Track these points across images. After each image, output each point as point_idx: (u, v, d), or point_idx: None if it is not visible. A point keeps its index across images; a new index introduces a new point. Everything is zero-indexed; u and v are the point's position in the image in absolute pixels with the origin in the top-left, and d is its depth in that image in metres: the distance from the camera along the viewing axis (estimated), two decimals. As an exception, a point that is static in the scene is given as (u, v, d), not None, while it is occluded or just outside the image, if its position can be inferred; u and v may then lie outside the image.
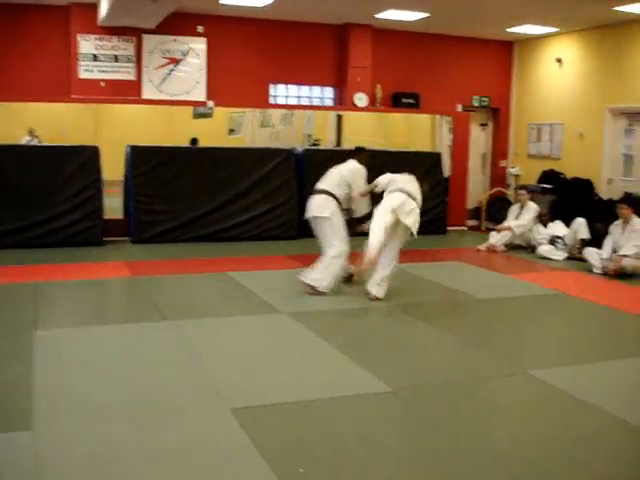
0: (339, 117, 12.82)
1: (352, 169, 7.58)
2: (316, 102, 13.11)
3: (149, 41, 11.50)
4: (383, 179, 7.46)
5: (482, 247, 10.59)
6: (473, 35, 13.39)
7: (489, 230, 11.70)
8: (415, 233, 6.98)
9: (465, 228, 12.94)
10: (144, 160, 10.34)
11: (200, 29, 11.83)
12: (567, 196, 11.97)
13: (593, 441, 4.00)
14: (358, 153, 7.86)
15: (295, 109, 12.91)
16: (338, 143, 12.68)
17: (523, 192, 10.84)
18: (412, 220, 6.93)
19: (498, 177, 14.29)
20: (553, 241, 10.08)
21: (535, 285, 8.18)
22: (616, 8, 10.48)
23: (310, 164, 11.12)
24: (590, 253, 9.14)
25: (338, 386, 4.74)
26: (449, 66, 13.50)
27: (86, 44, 11.10)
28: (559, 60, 12.89)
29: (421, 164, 11.92)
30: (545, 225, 10.59)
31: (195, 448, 3.74)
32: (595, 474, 3.60)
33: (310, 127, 13.12)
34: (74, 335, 5.79)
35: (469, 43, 13.61)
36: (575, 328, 6.63)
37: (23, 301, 6.76)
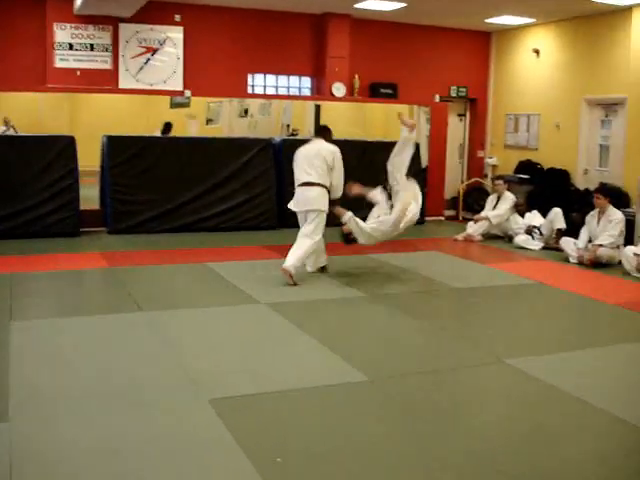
0: (317, 107, 12.81)
1: (331, 151, 7.56)
2: (294, 92, 13.07)
3: (125, 30, 11.40)
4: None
5: (459, 237, 10.64)
6: (451, 25, 13.40)
7: (466, 220, 11.75)
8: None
9: (442, 218, 12.99)
10: (121, 150, 10.27)
11: (177, 18, 11.74)
12: (544, 186, 12.04)
13: (571, 429, 4.05)
14: (327, 132, 7.87)
15: (273, 99, 12.88)
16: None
17: (500, 182, 10.90)
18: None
19: (475, 167, 14.33)
20: (530, 231, 10.15)
21: (512, 274, 8.23)
22: (593, -1, 10.55)
23: (288, 154, 11.08)
24: (566, 243, 9.22)
25: (316, 376, 4.76)
26: (427, 56, 13.50)
27: (62, 33, 10.99)
28: (536, 51, 12.94)
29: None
30: (522, 215, 10.65)
31: (173, 438, 3.74)
32: (576, 459, 3.65)
33: (288, 117, 13.10)
34: (50, 326, 5.76)
35: (447, 33, 13.62)
36: (551, 317, 6.69)
37: (-2, 292, 6.72)
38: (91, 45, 11.16)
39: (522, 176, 12.62)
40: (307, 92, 13.07)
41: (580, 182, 12.00)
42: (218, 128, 12.64)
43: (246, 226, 10.74)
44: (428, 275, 8.06)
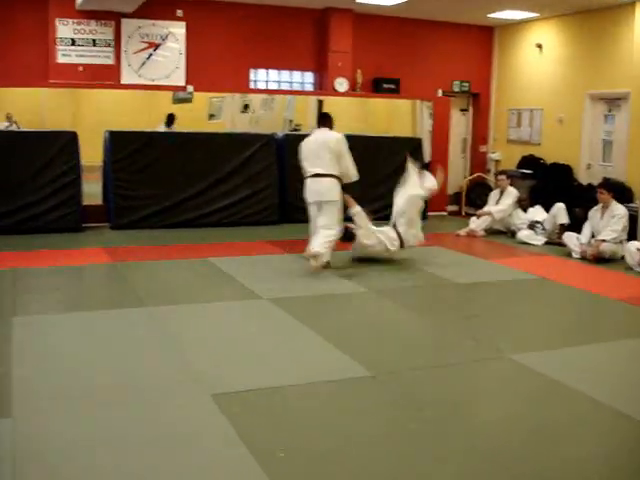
0: (320, 102, 12.77)
1: (337, 140, 7.66)
2: (296, 87, 13.05)
3: (128, 25, 11.38)
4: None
5: (462, 232, 10.63)
6: (454, 20, 13.37)
7: (469, 215, 11.75)
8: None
9: (445, 213, 12.97)
10: (123, 145, 10.25)
11: (179, 13, 11.73)
12: (546, 181, 12.02)
13: (576, 425, 4.05)
14: (328, 119, 7.94)
15: (275, 94, 12.85)
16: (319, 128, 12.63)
17: (503, 177, 10.89)
18: None
19: (478, 162, 14.32)
20: (532, 226, 10.13)
21: (515, 270, 8.22)
22: (596, -7, 10.53)
23: (291, 149, 11.09)
24: (569, 238, 9.20)
25: (318, 371, 4.75)
26: (429, 51, 13.48)
27: (64, 29, 10.98)
28: (539, 45, 12.91)
29: (402, 149, 11.94)
30: (525, 210, 10.64)
31: (175, 433, 3.74)
32: (578, 457, 3.64)
33: (291, 112, 13.07)
34: (52, 321, 5.76)
35: (450, 28, 13.59)
36: (554, 312, 6.68)
37: (1, 287, 6.71)
38: (93, 40, 11.15)
39: (525, 171, 12.60)
40: (310, 87, 13.06)
41: (583, 177, 11.97)
42: (220, 123, 12.61)
43: (248, 221, 10.72)
44: (431, 270, 8.05)
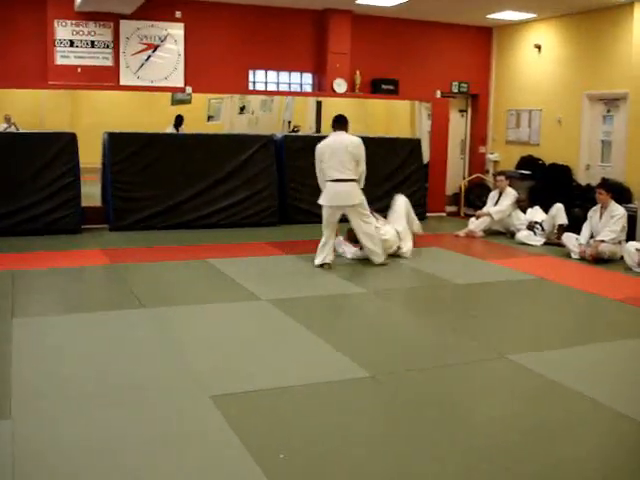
0: (318, 103, 12.78)
1: (355, 144, 7.81)
2: (295, 88, 13.06)
3: (126, 27, 11.39)
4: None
5: (461, 233, 10.63)
6: (452, 21, 13.38)
7: (468, 216, 11.74)
8: None
9: (444, 214, 12.98)
10: (122, 147, 10.26)
11: (178, 14, 11.73)
12: (545, 182, 12.02)
13: (574, 425, 4.05)
14: (346, 123, 8.03)
15: (274, 95, 12.86)
16: (318, 129, 12.66)
17: (502, 178, 10.88)
18: None
19: (477, 163, 14.32)
20: (531, 227, 10.13)
21: (514, 270, 8.23)
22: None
23: (290, 150, 11.13)
24: (568, 238, 9.21)
25: (317, 372, 4.75)
26: (428, 52, 13.49)
27: (63, 30, 10.98)
28: (538, 46, 12.91)
29: (400, 150, 11.96)
30: (524, 211, 10.64)
31: (174, 435, 3.74)
32: (576, 457, 3.64)
33: (289, 113, 13.08)
34: (52, 323, 5.76)
35: (448, 29, 13.60)
36: (553, 313, 6.68)
37: (0, 289, 6.69)
38: (92, 42, 11.15)
39: (524, 172, 12.61)
40: (308, 88, 13.06)
41: (582, 178, 11.98)
42: (219, 125, 12.62)
43: (248, 223, 10.72)
44: (430, 271, 8.05)
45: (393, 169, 11.82)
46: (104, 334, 5.52)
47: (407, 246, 8.71)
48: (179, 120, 11.93)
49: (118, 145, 10.26)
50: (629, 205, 9.73)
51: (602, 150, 11.94)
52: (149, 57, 11.60)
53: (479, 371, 4.93)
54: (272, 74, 12.88)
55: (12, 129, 10.98)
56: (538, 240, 9.95)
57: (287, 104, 13.01)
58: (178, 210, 10.45)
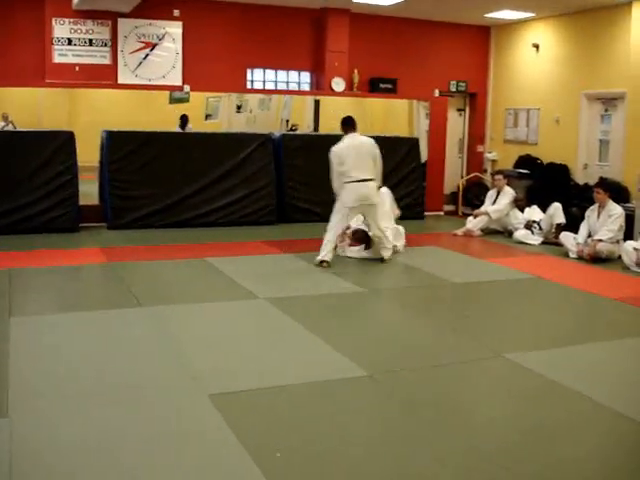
0: (317, 102, 12.78)
1: (373, 145, 8.13)
2: (293, 87, 13.05)
3: (124, 25, 11.37)
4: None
5: (459, 232, 10.63)
6: (450, 20, 13.37)
7: (466, 215, 11.74)
8: None
9: (442, 213, 12.98)
10: (120, 145, 10.25)
11: (176, 13, 11.71)
12: (543, 181, 12.02)
13: (573, 424, 4.05)
14: (356, 124, 8.23)
15: (272, 94, 12.85)
16: (316, 128, 12.66)
17: (500, 177, 10.89)
18: None
19: (475, 162, 14.32)
20: (529, 226, 10.14)
21: (511, 269, 8.23)
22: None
23: (288, 149, 11.12)
24: (566, 238, 9.21)
25: (315, 371, 4.75)
26: (426, 51, 13.48)
27: (60, 28, 10.95)
28: (536, 45, 12.91)
29: (399, 149, 11.95)
30: (521, 210, 10.65)
31: (172, 434, 3.74)
32: (576, 457, 3.64)
33: (287, 112, 13.07)
34: (49, 321, 5.75)
35: (446, 28, 13.59)
36: (551, 312, 6.68)
37: (-2, 288, 6.70)
38: (90, 40, 11.13)
39: (522, 171, 12.61)
40: (306, 87, 13.05)
41: (580, 177, 11.99)
42: (217, 123, 12.61)
43: (245, 221, 10.72)
44: (427, 270, 8.05)
45: (391, 168, 11.79)
46: (102, 333, 5.51)
47: (401, 242, 8.80)
48: (184, 120, 11.93)
49: (116, 143, 10.25)
50: (627, 204, 9.73)
51: (600, 149, 11.94)
52: (147, 55, 11.58)
53: (478, 371, 4.93)
54: (270, 73, 12.86)
55: (10, 127, 10.96)
56: (536, 239, 9.95)
57: (285, 103, 13.01)
58: (176, 208, 10.44)
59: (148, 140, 10.44)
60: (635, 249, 8.30)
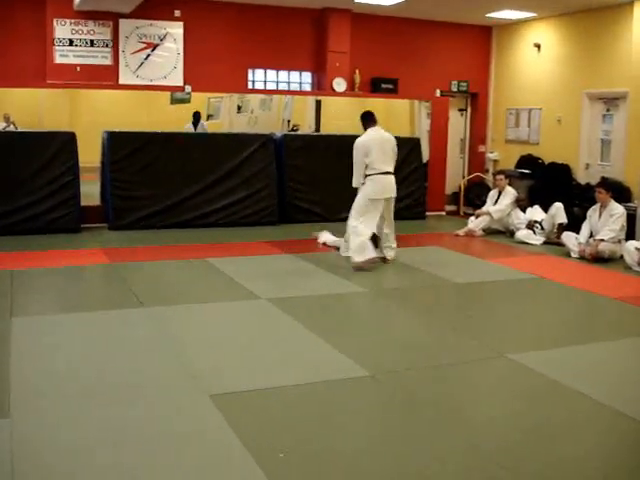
0: (318, 102, 12.77)
1: (393, 139, 8.30)
2: (294, 87, 13.04)
3: (125, 25, 11.37)
4: None
5: (460, 232, 10.62)
6: (452, 20, 13.36)
7: (467, 215, 11.74)
8: None
9: (444, 213, 12.97)
10: (121, 146, 10.25)
11: (177, 13, 11.71)
12: (545, 181, 12.01)
13: (574, 424, 4.04)
14: (375, 117, 8.32)
15: (274, 94, 12.85)
16: (317, 128, 12.65)
17: (501, 177, 10.88)
18: None
19: (476, 162, 14.30)
20: (531, 226, 10.13)
21: (513, 269, 8.22)
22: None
23: (289, 149, 11.12)
24: (568, 237, 9.20)
25: (316, 371, 4.75)
26: (428, 51, 13.47)
27: (62, 29, 10.95)
28: (537, 45, 12.90)
29: (400, 149, 11.91)
30: (523, 210, 10.63)
31: (173, 434, 3.73)
32: (576, 456, 3.64)
33: (289, 112, 13.07)
34: (51, 322, 5.75)
35: (448, 28, 13.58)
36: (553, 312, 6.68)
37: (-1, 288, 6.71)
38: (91, 41, 11.13)
39: (523, 171, 12.59)
40: (308, 87, 13.04)
41: (581, 177, 11.97)
42: (218, 124, 12.61)
43: (247, 222, 10.71)
44: (429, 270, 8.04)
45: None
46: (103, 333, 5.51)
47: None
48: (197, 117, 11.93)
49: (117, 144, 10.25)
50: (628, 204, 9.72)
51: (602, 149, 11.92)
52: (148, 56, 11.58)
53: (479, 370, 4.93)
54: (271, 73, 12.86)
55: (11, 128, 10.97)
56: (538, 239, 9.94)
57: (286, 103, 13.01)
58: (177, 209, 10.44)
59: (149, 141, 10.44)
60: (637, 249, 8.28)
